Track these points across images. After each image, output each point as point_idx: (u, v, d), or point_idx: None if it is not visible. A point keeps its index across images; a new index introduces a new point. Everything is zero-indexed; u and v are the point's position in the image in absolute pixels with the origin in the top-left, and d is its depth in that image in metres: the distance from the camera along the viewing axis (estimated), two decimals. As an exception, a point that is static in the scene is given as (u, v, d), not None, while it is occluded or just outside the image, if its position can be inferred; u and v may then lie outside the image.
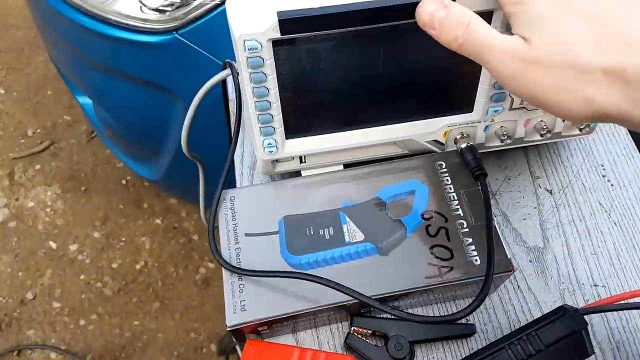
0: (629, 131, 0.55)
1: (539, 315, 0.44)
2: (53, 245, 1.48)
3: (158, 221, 1.50)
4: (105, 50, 0.87)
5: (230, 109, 0.60)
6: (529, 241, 0.49)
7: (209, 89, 0.53)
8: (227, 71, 0.47)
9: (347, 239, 0.44)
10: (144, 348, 1.33)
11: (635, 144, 0.55)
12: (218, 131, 0.66)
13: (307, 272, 0.42)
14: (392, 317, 0.44)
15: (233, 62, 0.46)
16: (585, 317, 0.39)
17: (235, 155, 0.54)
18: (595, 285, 0.47)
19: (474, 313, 0.46)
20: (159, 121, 0.94)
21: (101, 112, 1.07)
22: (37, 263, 1.45)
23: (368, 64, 0.41)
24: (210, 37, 0.78)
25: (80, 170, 1.59)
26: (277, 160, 0.47)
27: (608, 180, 0.52)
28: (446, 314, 0.46)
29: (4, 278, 1.42)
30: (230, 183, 0.52)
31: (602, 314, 0.45)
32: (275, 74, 0.40)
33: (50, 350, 1.33)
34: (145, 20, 0.79)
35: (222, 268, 0.42)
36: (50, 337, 1.35)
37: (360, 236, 0.44)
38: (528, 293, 0.47)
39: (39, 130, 1.65)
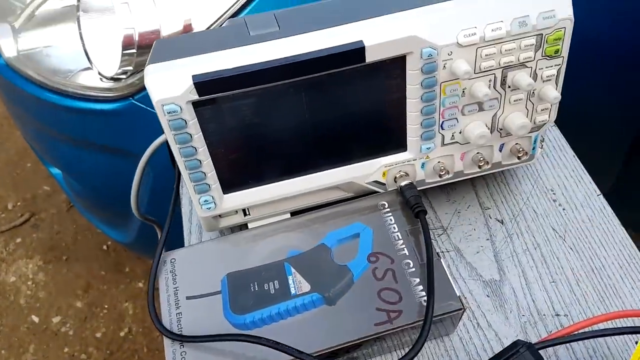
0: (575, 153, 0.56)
1: (499, 351, 0.43)
2: (36, 319, 1.44)
3: (140, 284, 1.48)
4: (67, 121, 0.88)
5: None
6: (485, 274, 0.48)
7: (153, 150, 0.53)
8: (169, 132, 0.48)
9: (293, 291, 0.43)
10: (134, 419, 1.28)
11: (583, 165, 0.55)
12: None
13: (252, 331, 0.41)
14: (346, 367, 0.42)
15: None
16: (550, 349, 0.37)
17: (183, 213, 0.54)
18: (557, 315, 0.46)
19: (434, 359, 0.44)
20: (125, 185, 0.94)
21: (70, 182, 1.07)
22: (19, 339, 1.41)
23: (294, 114, 0.42)
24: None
25: (61, 239, 1.58)
26: (220, 216, 0.47)
27: (559, 205, 0.52)
28: (404, 358, 0.44)
29: (-14, 359, 1.38)
30: (181, 243, 0.52)
31: (568, 344, 0.43)
32: (200, 134, 0.40)
33: None
34: (102, 89, 0.81)
35: (164, 337, 0.41)
36: (36, 416, 1.30)
37: (306, 287, 0.43)
38: (488, 330, 0.45)
39: (19, 203, 1.64)
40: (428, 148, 0.45)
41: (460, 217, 0.52)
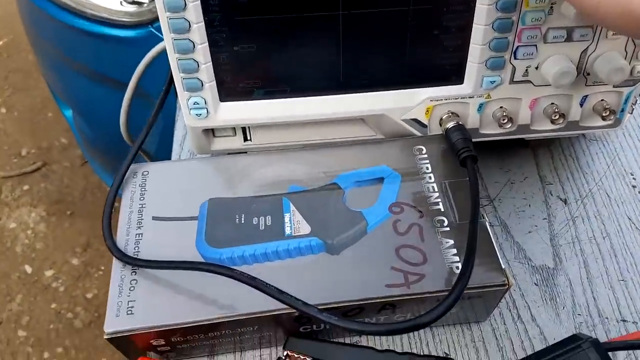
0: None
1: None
2: (28, 269, 1.38)
3: (142, 251, 1.40)
4: (82, 47, 0.81)
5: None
6: (536, 259, 0.38)
7: (145, 66, 0.45)
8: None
9: (287, 231, 0.33)
10: (108, 390, 1.20)
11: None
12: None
13: (227, 270, 0.31)
14: (340, 342, 0.32)
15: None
16: (610, 354, 0.26)
17: (175, 136, 0.45)
18: (624, 321, 0.35)
19: (457, 348, 0.34)
20: (135, 129, 0.87)
21: (81, 124, 1.01)
22: (8, 287, 1.35)
23: (325, 5, 0.32)
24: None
25: (69, 193, 1.52)
26: (213, 133, 0.38)
27: (639, 192, 0.41)
28: (415, 346, 0.34)
29: (-30, 301, 1.32)
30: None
31: (629, 351, 0.32)
32: (198, 2, 0.31)
33: (6, 385, 1.20)
34: (122, 12, 0.73)
35: (113, 259, 0.32)
36: (9, 369, 1.23)
37: (305, 229, 0.33)
38: (531, 325, 0.35)
39: (33, 151, 1.60)
40: (492, 82, 0.35)
41: (514, 189, 0.41)
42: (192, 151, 0.43)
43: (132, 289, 0.30)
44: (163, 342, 0.31)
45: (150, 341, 0.30)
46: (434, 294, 0.30)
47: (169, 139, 0.70)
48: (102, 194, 1.50)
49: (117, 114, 0.90)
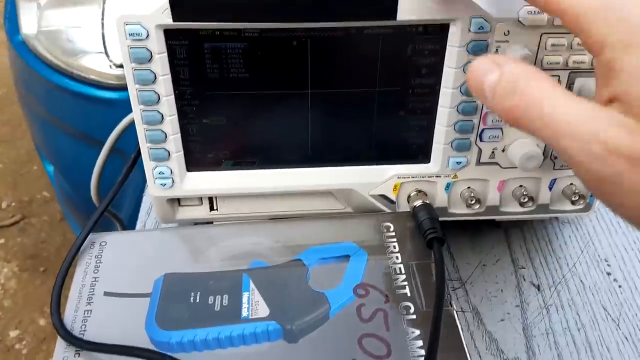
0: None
1: None
2: (-8, 328, 1.31)
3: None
4: (68, 107, 0.81)
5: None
6: (508, 351, 0.36)
7: (121, 130, 0.44)
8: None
9: (244, 313, 0.31)
10: None
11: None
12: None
13: (178, 355, 0.29)
14: None
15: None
16: None
17: (143, 202, 0.44)
18: (600, 421, 0.33)
19: None
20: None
21: (61, 181, 1.00)
22: (-32, 347, 1.28)
23: (294, 80, 0.32)
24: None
25: (44, 249, 1.48)
26: (179, 203, 0.37)
27: (615, 280, 0.40)
28: None
29: None
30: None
31: None
32: (168, 76, 0.31)
33: None
34: (108, 76, 0.74)
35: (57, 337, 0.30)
36: None
37: (264, 311, 0.31)
38: None
39: (13, 204, 1.57)
40: (458, 163, 0.35)
41: (485, 271, 0.40)
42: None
43: (72, 370, 0.28)
44: None
45: None
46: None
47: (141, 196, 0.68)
48: (79, 252, 1.46)
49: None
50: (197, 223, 0.38)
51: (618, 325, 0.37)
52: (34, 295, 1.38)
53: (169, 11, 0.29)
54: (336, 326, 0.31)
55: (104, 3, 0.77)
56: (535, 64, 0.31)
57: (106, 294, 0.32)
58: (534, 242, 0.42)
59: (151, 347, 0.29)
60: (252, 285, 0.33)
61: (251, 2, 0.28)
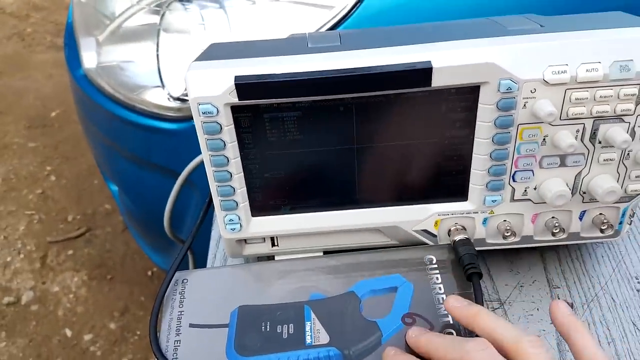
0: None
1: None
2: (68, 333, 1.44)
3: (176, 317, 1.44)
4: (130, 137, 0.89)
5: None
6: (544, 365, 0.40)
7: (195, 166, 0.50)
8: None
9: (308, 340, 0.36)
10: None
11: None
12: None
13: (254, 377, 0.35)
14: None
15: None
16: None
17: (212, 237, 0.50)
18: None
19: None
20: (176, 211, 0.93)
21: (125, 199, 1.08)
22: (49, 350, 1.41)
23: (342, 138, 0.37)
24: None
25: (110, 258, 1.59)
26: (245, 241, 0.42)
27: (646, 297, 0.43)
28: None
29: (13, 363, 1.37)
30: (203, 266, 0.47)
31: None
32: (235, 142, 0.36)
33: None
34: (168, 108, 0.81)
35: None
36: None
37: (324, 338, 0.37)
38: None
39: (78, 217, 1.69)
40: (494, 201, 0.39)
41: (523, 292, 0.44)
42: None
43: (170, 394, 0.34)
44: None
45: None
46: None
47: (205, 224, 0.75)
48: (141, 260, 1.57)
49: (160, 195, 0.97)
50: (260, 257, 0.44)
51: (649, 340, 0.40)
52: (104, 301, 1.50)
53: (235, 92, 0.34)
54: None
55: (158, 37, 0.83)
56: (560, 115, 0.35)
57: (191, 325, 0.38)
58: (568, 263, 0.45)
59: (232, 372, 0.35)
60: (312, 315, 0.38)
61: (304, 83, 0.33)
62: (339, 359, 0.35)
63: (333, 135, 0.37)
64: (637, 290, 0.43)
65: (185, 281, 0.40)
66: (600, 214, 0.40)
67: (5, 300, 1.50)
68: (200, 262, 0.66)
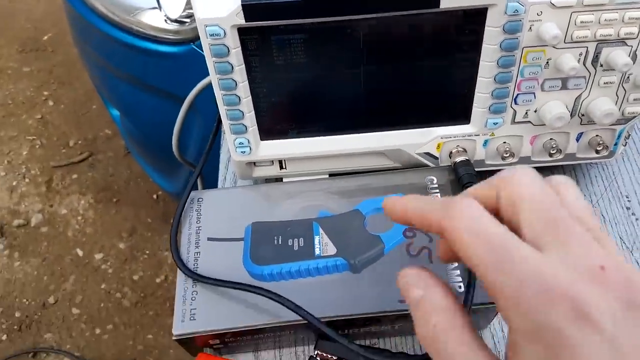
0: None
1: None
2: (80, 252, 1.50)
3: (182, 237, 1.50)
4: (129, 60, 0.88)
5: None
6: (534, 275, 0.43)
7: (199, 90, 0.51)
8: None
9: (317, 251, 0.39)
10: (154, 364, 1.31)
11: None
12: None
13: (269, 284, 0.38)
14: (361, 344, 0.38)
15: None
16: None
17: (221, 159, 0.52)
18: None
19: (460, 351, 0.40)
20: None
21: (127, 124, 1.09)
22: (62, 268, 1.48)
23: (348, 60, 0.38)
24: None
25: (114, 182, 1.62)
26: (254, 164, 0.44)
27: (633, 214, 0.45)
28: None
29: (30, 280, 1.45)
30: (214, 187, 0.49)
31: None
32: (243, 66, 0.37)
33: (65, 356, 1.33)
34: (166, 31, 0.80)
35: (177, 272, 0.39)
36: (66, 342, 1.35)
37: (332, 250, 0.39)
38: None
39: (80, 142, 1.70)
40: (495, 123, 0.40)
41: (517, 209, 0.47)
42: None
43: (193, 299, 0.38)
44: (218, 342, 0.38)
45: (209, 341, 0.38)
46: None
47: (205, 145, 0.76)
48: (145, 184, 1.60)
49: (162, 118, 0.98)
50: (268, 179, 0.46)
51: (632, 252, 0.43)
52: (111, 223, 1.55)
53: (241, 13, 0.34)
54: (390, 260, 0.39)
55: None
56: (565, 38, 0.35)
57: (209, 239, 0.40)
58: (563, 183, 0.48)
59: (249, 278, 0.38)
60: (320, 230, 0.40)
61: (311, 3, 0.33)
62: (345, 267, 0.38)
63: (340, 58, 0.37)
64: (627, 208, 0.46)
65: (200, 200, 0.42)
66: (597, 135, 0.42)
67: (15, 223, 1.55)
68: (208, 184, 0.68)
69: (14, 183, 1.63)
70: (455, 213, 0.21)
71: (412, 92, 0.39)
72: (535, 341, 0.18)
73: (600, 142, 0.41)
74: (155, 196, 1.59)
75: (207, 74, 0.79)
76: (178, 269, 0.39)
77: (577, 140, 0.42)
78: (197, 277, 0.38)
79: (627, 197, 0.46)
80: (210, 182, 0.65)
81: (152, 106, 0.94)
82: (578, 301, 0.18)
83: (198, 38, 0.76)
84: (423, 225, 0.24)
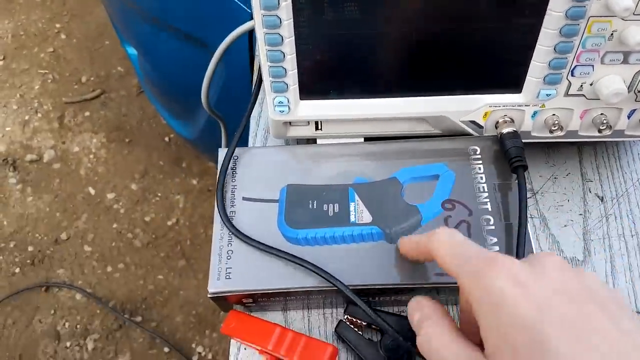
0: None
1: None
2: (92, 191, 1.51)
3: (194, 182, 1.50)
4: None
5: (255, 65, 0.55)
6: (567, 251, 0.43)
7: (232, 40, 0.49)
8: (253, 22, 0.43)
9: (352, 218, 0.39)
10: (165, 302, 1.34)
11: None
12: (246, 88, 0.62)
13: (303, 248, 0.37)
14: (389, 312, 0.39)
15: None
16: None
17: (252, 115, 0.50)
18: (639, 312, 0.40)
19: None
20: (197, 78, 0.92)
21: (144, 64, 1.06)
22: (74, 206, 1.49)
23: (400, 20, 0.35)
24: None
25: (126, 122, 1.61)
26: (290, 123, 0.43)
27: (675, 194, 0.44)
28: (451, 308, 0.40)
29: (42, 216, 1.46)
30: (243, 143, 0.48)
31: None
32: (291, 20, 0.35)
33: (76, 292, 1.36)
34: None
35: (214, 230, 0.39)
36: (78, 278, 1.38)
37: (367, 218, 0.39)
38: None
39: (92, 79, 1.67)
40: (548, 95, 0.38)
41: (556, 183, 0.45)
42: (267, 130, 0.49)
43: (229, 257, 0.37)
44: (251, 300, 0.38)
45: (242, 299, 0.38)
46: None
47: (229, 94, 0.74)
48: (157, 125, 1.59)
49: (182, 61, 0.95)
50: (299, 140, 0.45)
51: (674, 234, 0.43)
52: (124, 163, 1.55)
53: (296, -35, 0.32)
54: (427, 232, 0.38)
55: None
56: (635, 9, 0.33)
57: (244, 198, 0.40)
58: (604, 158, 0.46)
59: (283, 241, 0.38)
60: (356, 196, 0.40)
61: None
62: (380, 237, 0.38)
63: (392, 17, 0.35)
64: (668, 188, 0.45)
65: (235, 158, 0.41)
66: (650, 113, 0.40)
67: (28, 158, 1.55)
68: (231, 137, 0.67)
69: (27, 117, 1.62)
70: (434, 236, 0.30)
71: (465, 56, 0.37)
72: (485, 301, 0.25)
73: (653, 121, 0.40)
74: (167, 139, 1.58)
75: (230, 20, 0.76)
76: (214, 226, 0.38)
77: (629, 117, 0.40)
78: (242, 237, 0.37)
79: (670, 177, 0.45)
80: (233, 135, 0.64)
81: (172, 47, 0.91)
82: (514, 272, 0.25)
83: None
84: (419, 253, 0.33)
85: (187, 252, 1.39)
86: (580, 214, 0.44)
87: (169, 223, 1.45)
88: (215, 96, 0.90)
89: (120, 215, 1.47)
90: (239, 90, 0.67)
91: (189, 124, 1.10)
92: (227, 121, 0.65)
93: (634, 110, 0.40)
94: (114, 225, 1.46)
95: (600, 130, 0.40)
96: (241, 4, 0.67)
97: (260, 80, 0.41)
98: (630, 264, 0.42)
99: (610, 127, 0.40)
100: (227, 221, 0.38)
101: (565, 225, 0.44)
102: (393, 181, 0.40)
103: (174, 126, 1.22)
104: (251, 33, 0.54)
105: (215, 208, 0.39)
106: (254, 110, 0.50)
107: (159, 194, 1.50)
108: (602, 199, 0.45)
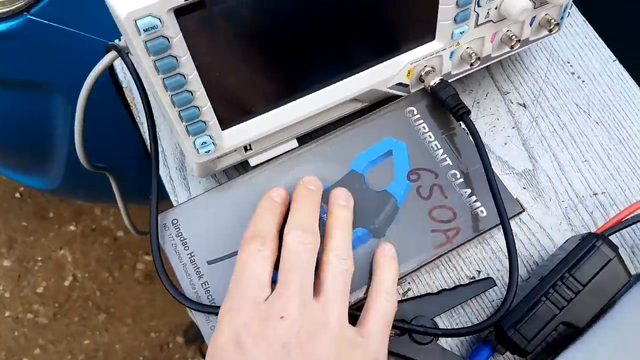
0: (586, 18, 0.50)
1: (549, 243, 0.41)
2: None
3: (72, 227, 1.33)
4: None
5: (127, 98, 0.47)
6: (517, 166, 0.44)
7: (94, 81, 0.40)
8: (113, 54, 0.35)
9: (331, 231, 0.35)
10: (105, 365, 1.22)
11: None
12: (120, 124, 0.53)
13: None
14: (406, 298, 0.37)
15: (117, 42, 0.34)
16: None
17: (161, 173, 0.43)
18: (595, 194, 0.43)
19: (484, 262, 0.40)
20: (38, 125, 0.78)
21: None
22: (-54, 316, 1.25)
23: (302, 5, 0.31)
24: (75, 6, 0.62)
25: (-39, 196, 1.35)
26: (217, 157, 0.37)
27: (578, 77, 0.47)
28: (454, 274, 0.40)
29: None
30: (140, 188, 0.41)
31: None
32: (188, 54, 0.28)
33: (-1, 402, 1.18)
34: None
35: (192, 312, 0.33)
36: (-6, 389, 1.20)
37: (346, 223, 0.36)
38: (532, 223, 0.42)
39: None
40: (461, 32, 0.37)
41: (481, 107, 0.46)
42: (179, 168, 0.42)
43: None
44: None
45: None
46: (472, 239, 0.36)
47: (102, 137, 0.64)
48: (1, 185, 1.36)
49: (14, 112, 0.79)
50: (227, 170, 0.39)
51: (589, 114, 0.46)
52: None
53: (176, -9, 0.25)
54: (407, 211, 0.36)
55: None
56: None
57: (209, 262, 0.34)
58: (510, 67, 0.48)
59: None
60: (324, 207, 0.36)
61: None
62: (368, 236, 0.35)
63: (294, 6, 0.30)
64: (572, 73, 0.47)
65: (175, 222, 0.35)
66: (547, 14, 0.41)
67: None
68: (123, 180, 0.58)
69: None
70: None
71: (376, 21, 0.34)
72: None
73: (550, 19, 0.41)
74: (18, 194, 1.37)
75: (55, 48, 0.63)
76: (192, 310, 0.33)
77: (531, 24, 0.41)
78: (215, 310, 0.32)
79: (569, 63, 0.48)
80: (124, 185, 0.55)
81: (6, 100, 0.75)
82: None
83: (33, 5, 0.60)
84: None
85: (102, 304, 1.25)
86: (513, 127, 0.45)
87: (66, 283, 1.29)
88: (65, 140, 0.77)
89: (6, 299, 1.27)
90: (111, 130, 0.57)
91: (45, 175, 0.95)
92: (112, 169, 0.55)
93: (534, 16, 0.40)
94: (7, 314, 1.26)
95: (512, 47, 0.40)
96: (91, 35, 0.56)
97: (154, 128, 0.34)
98: (571, 155, 0.44)
99: (519, 41, 0.40)
100: (199, 306, 0.32)
101: (505, 143, 0.45)
102: (352, 174, 0.37)
103: (25, 181, 1.04)
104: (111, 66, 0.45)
105: (176, 299, 0.33)
106: (163, 168, 0.43)
107: (39, 258, 1.32)
108: (524, 106, 0.46)
